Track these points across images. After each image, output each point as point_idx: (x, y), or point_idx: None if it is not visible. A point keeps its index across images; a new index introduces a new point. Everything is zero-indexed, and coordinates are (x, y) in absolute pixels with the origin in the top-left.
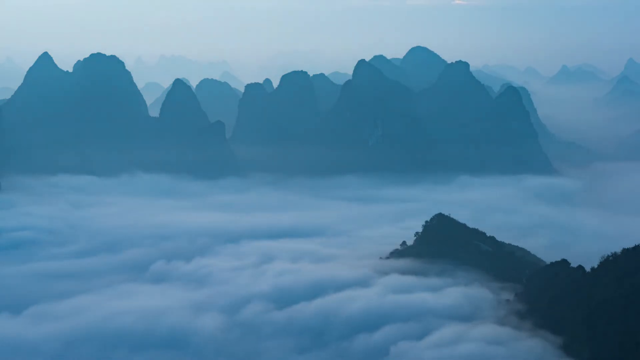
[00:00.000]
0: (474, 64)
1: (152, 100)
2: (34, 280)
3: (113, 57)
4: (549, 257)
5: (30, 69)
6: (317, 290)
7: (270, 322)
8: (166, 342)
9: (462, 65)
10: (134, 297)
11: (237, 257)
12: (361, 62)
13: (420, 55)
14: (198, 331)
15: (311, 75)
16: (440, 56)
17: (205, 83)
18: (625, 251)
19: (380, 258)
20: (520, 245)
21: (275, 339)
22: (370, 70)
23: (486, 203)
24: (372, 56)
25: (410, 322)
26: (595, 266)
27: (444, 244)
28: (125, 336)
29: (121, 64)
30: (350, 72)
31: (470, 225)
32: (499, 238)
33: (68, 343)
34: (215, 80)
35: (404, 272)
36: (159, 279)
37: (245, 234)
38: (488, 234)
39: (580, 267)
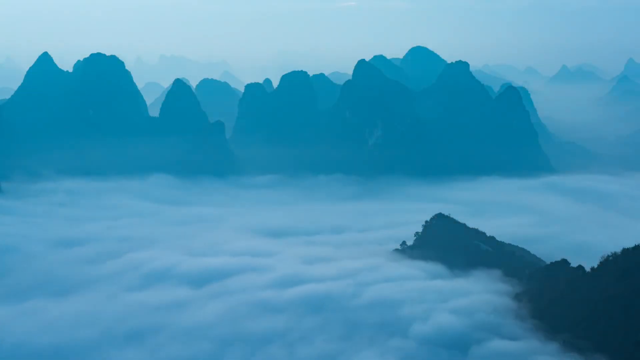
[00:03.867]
0: (474, 64)
1: (152, 100)
2: None
3: (113, 57)
4: (549, 257)
5: (30, 69)
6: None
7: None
8: None
9: (462, 65)
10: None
11: (233, 255)
12: (361, 62)
13: (420, 55)
14: None
15: (311, 75)
16: (440, 56)
17: (205, 83)
18: (625, 251)
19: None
20: (520, 245)
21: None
22: (370, 70)
23: (486, 202)
24: (372, 56)
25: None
26: (595, 266)
27: (443, 244)
28: None
29: (121, 64)
30: (350, 72)
31: (470, 225)
32: (498, 238)
33: None
34: (215, 80)
35: (403, 272)
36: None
37: (242, 233)
38: (488, 234)
39: (580, 267)
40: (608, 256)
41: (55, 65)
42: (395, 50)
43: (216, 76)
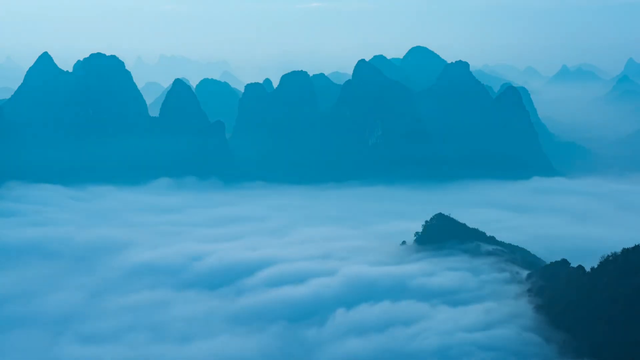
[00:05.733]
0: (474, 64)
1: (152, 100)
2: None
3: (113, 57)
4: (549, 257)
5: (30, 69)
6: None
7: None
8: None
9: (462, 65)
10: None
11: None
12: (361, 62)
13: (420, 55)
14: None
15: (311, 75)
16: (440, 56)
17: (205, 83)
18: (625, 251)
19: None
20: (520, 245)
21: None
22: (370, 70)
23: (485, 202)
24: (372, 56)
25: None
26: (595, 266)
27: (444, 244)
28: None
29: (121, 64)
30: (350, 72)
31: (470, 225)
32: (498, 238)
33: None
34: (215, 80)
35: (404, 271)
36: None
37: (240, 234)
38: (488, 234)
39: (580, 267)
40: (608, 256)
41: (55, 65)
42: (396, 50)
43: (216, 76)
